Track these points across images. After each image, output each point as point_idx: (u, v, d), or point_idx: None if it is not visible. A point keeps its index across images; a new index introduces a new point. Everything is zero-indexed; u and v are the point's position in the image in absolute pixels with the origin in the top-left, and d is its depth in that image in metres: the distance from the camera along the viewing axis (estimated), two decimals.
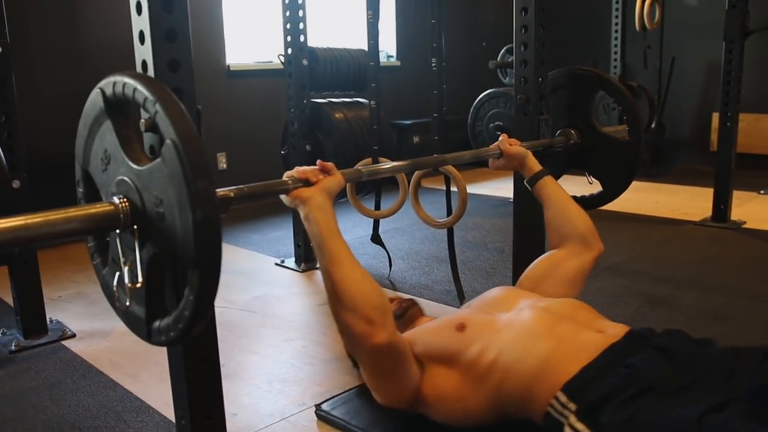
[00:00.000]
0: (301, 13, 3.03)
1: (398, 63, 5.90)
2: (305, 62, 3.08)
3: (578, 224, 1.88)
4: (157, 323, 1.19)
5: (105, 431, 1.78)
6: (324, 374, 2.09)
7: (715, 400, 1.12)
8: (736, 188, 3.92)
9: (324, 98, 3.35)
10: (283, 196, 1.43)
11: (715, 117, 5.29)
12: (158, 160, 1.07)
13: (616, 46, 5.73)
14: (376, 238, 3.02)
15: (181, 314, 1.12)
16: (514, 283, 2.39)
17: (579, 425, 1.25)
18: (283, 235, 3.86)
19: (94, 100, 1.19)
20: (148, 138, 1.28)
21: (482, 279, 3.01)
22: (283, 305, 2.76)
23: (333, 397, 1.84)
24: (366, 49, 2.66)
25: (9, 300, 2.66)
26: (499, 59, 4.67)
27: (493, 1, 6.67)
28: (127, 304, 1.20)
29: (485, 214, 4.36)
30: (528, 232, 2.35)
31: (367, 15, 2.54)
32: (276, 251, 3.54)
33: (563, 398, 1.30)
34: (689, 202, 4.42)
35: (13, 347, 2.33)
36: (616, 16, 5.70)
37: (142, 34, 1.30)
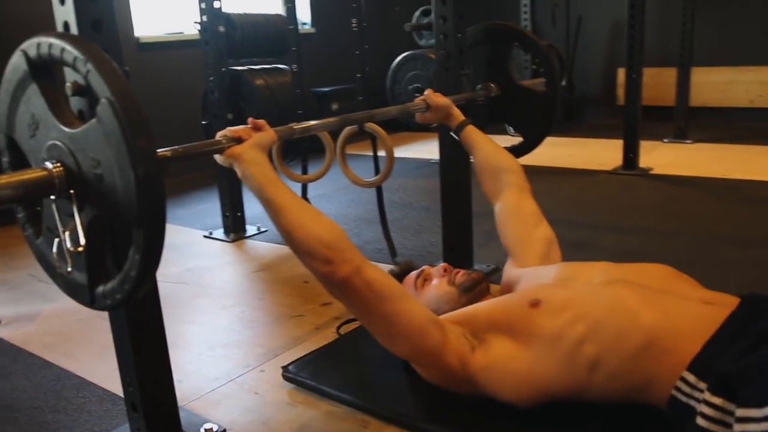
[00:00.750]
0: None
1: (313, 30, 5.85)
2: (222, 29, 3.02)
3: (511, 162, 1.96)
4: (100, 288, 1.18)
5: (46, 411, 1.74)
6: (265, 336, 2.11)
7: None
8: (642, 138, 4.15)
9: (243, 65, 3.30)
10: (217, 156, 1.42)
11: (621, 72, 5.56)
12: (93, 120, 1.05)
13: (525, 5, 5.88)
14: None
15: (126, 275, 1.12)
16: (445, 246, 2.46)
17: (715, 399, 1.10)
18: (209, 207, 3.80)
19: (17, 63, 1.15)
20: (76, 102, 1.25)
21: (411, 237, 3.08)
22: (216, 275, 2.74)
23: (299, 359, 1.83)
24: (282, 14, 2.63)
25: None
26: (414, 21, 4.72)
27: None
28: (69, 270, 1.18)
29: (409, 175, 4.44)
30: (454, 187, 2.41)
31: None
32: (203, 224, 3.49)
33: (691, 378, 1.17)
34: (601, 154, 4.63)
35: None
36: None
37: None
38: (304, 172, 2.92)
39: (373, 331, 1.45)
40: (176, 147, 1.33)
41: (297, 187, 3.09)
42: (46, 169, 1.12)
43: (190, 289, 2.57)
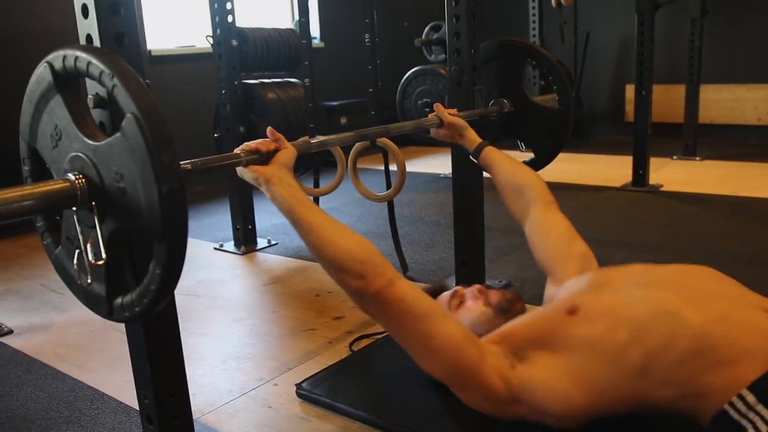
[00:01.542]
0: None
1: (322, 44, 5.89)
2: (235, 43, 3.04)
3: (533, 178, 1.89)
4: (119, 300, 1.18)
5: (60, 422, 1.74)
6: (278, 349, 2.11)
7: None
8: (651, 155, 4.15)
9: (255, 79, 3.32)
10: (243, 172, 1.42)
11: (629, 89, 5.56)
12: (118, 134, 1.05)
13: (534, 22, 5.91)
14: None
15: (146, 289, 1.12)
16: (457, 259, 2.44)
17: None
18: (218, 220, 3.81)
19: (42, 75, 1.16)
20: (97, 114, 1.26)
21: (422, 251, 3.08)
22: (228, 287, 2.75)
23: (313, 375, 1.82)
24: (294, 28, 2.65)
25: None
26: (424, 37, 4.74)
27: None
28: (89, 281, 1.19)
29: (419, 189, 4.44)
30: (467, 202, 2.41)
31: None
32: (213, 236, 3.50)
33: (751, 398, 1.10)
34: (610, 170, 4.63)
35: None
36: None
37: (85, 8, 1.27)
38: (316, 185, 2.93)
39: (409, 349, 1.39)
40: (195, 160, 1.33)
41: None
42: (68, 180, 1.12)
43: (201, 301, 2.57)
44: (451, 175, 2.43)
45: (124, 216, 1.11)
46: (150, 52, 4.56)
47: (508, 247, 2.91)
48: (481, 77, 2.34)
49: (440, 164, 5.05)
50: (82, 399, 1.85)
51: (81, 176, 1.12)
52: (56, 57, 1.12)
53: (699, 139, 4.99)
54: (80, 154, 1.13)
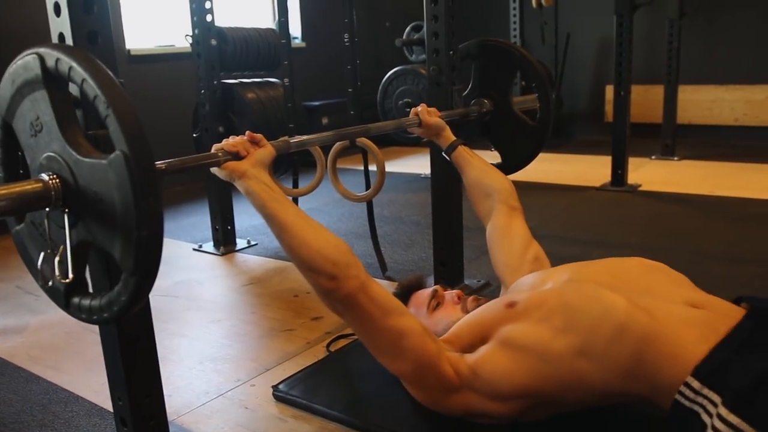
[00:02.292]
0: None
1: (303, 44, 5.87)
2: (214, 42, 3.03)
3: (502, 182, 1.93)
4: (76, 299, 1.16)
5: (33, 425, 1.72)
6: (256, 350, 2.10)
7: None
8: (630, 155, 4.18)
9: (234, 79, 3.30)
10: (216, 170, 1.41)
11: (609, 89, 5.60)
12: (104, 162, 1.02)
13: (515, 23, 5.93)
14: None
15: (117, 298, 1.10)
16: (435, 260, 2.46)
17: (732, 418, 1.07)
18: (198, 220, 3.79)
19: (29, 63, 1.09)
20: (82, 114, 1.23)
21: (402, 251, 3.08)
22: (207, 288, 2.73)
23: (290, 376, 1.81)
24: (274, 28, 2.64)
25: None
26: (405, 37, 4.74)
27: None
28: (50, 284, 1.17)
29: (398, 190, 4.44)
30: (445, 202, 2.42)
31: None
32: (192, 237, 3.47)
33: (696, 384, 1.15)
34: (589, 170, 4.66)
35: None
36: None
37: (57, 6, 1.26)
38: (295, 185, 2.92)
39: (374, 348, 1.43)
40: (172, 160, 1.32)
41: None
42: (43, 181, 1.10)
43: (180, 302, 2.55)
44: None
45: (96, 233, 1.09)
46: (129, 51, 4.52)
47: (486, 247, 2.90)
48: (462, 75, 2.33)
49: (420, 164, 5.06)
50: (57, 402, 1.83)
51: (56, 177, 1.10)
52: (49, 55, 1.06)
53: (677, 139, 5.04)
54: (59, 158, 1.10)
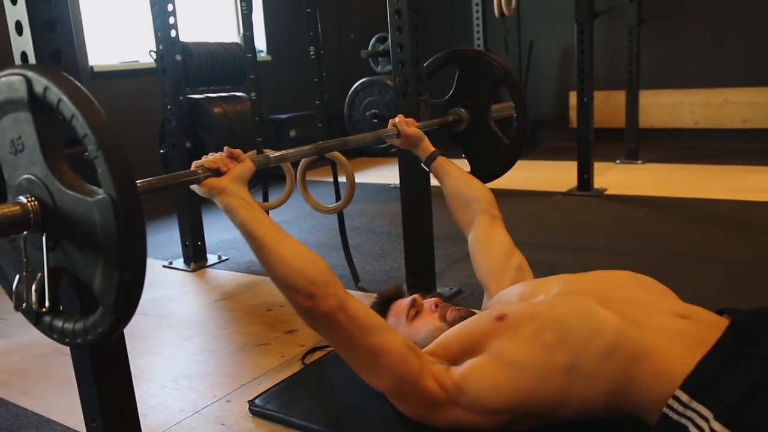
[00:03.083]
0: (170, 7, 2.96)
1: (269, 58, 5.87)
2: (179, 57, 3.01)
3: (482, 191, 1.96)
4: (47, 318, 1.15)
5: None
6: (230, 365, 2.08)
7: None
8: (595, 160, 4.26)
9: (200, 94, 3.29)
10: (196, 187, 1.40)
11: (572, 96, 5.71)
12: (90, 200, 1.00)
13: (478, 32, 6.01)
14: None
15: (92, 328, 1.08)
16: (407, 269, 2.47)
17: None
18: (167, 237, 3.75)
19: (15, 84, 1.04)
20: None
21: (374, 261, 3.09)
22: (178, 305, 2.70)
23: (266, 391, 1.80)
24: (239, 42, 2.64)
25: None
26: (370, 48, 4.77)
27: None
28: (24, 306, 1.15)
29: (369, 200, 4.46)
30: (415, 212, 2.44)
31: (241, 6, 2.52)
32: (162, 254, 3.44)
33: (684, 397, 1.14)
34: (556, 175, 4.74)
35: None
36: (477, 3, 5.98)
37: (19, 25, 1.24)
38: (266, 198, 2.91)
39: (355, 365, 1.42)
40: (152, 179, 1.30)
41: None
42: (21, 204, 1.07)
43: (151, 320, 2.52)
44: None
45: (75, 262, 1.07)
46: (92, 68, 4.47)
47: (458, 255, 2.94)
48: (427, 88, 2.36)
49: (390, 175, 5.08)
50: (27, 426, 1.79)
51: (35, 201, 1.07)
52: (39, 82, 1.01)
53: (640, 143, 5.15)
54: (40, 184, 1.07)
